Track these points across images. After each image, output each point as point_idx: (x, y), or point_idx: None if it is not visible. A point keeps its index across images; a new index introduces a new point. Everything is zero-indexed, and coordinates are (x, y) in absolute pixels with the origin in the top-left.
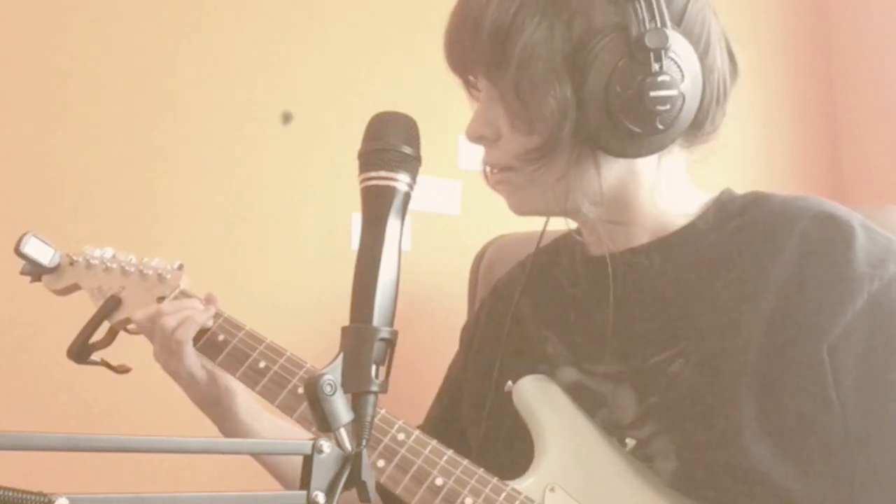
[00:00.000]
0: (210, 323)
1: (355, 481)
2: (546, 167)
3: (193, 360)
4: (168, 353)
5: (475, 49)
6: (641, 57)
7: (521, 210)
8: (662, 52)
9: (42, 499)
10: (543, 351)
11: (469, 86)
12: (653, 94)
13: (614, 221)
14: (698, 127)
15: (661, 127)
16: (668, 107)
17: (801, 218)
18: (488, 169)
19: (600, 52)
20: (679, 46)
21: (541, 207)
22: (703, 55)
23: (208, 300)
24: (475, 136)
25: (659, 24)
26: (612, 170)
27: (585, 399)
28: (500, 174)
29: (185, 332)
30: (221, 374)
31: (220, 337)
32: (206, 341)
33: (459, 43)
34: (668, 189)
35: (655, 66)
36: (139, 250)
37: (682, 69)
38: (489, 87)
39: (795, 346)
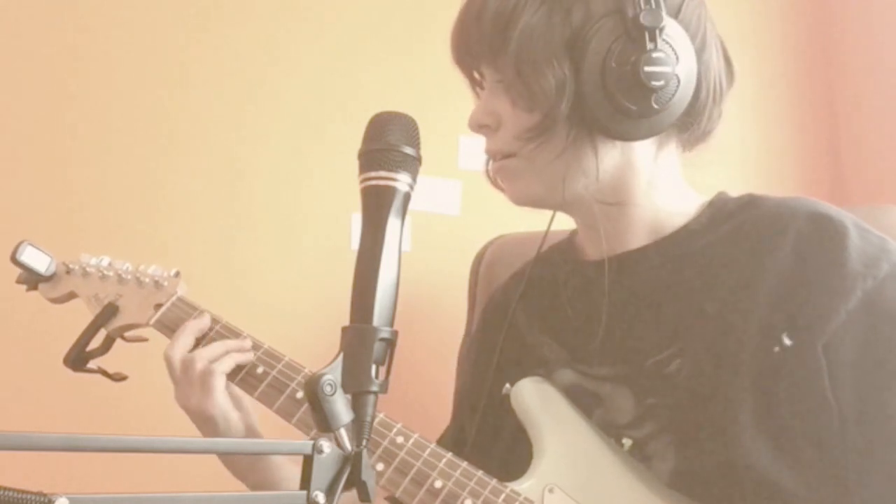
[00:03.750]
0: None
1: (355, 481)
2: (544, 146)
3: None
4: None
5: (479, 37)
6: (637, 35)
7: (519, 198)
8: (657, 31)
9: (42, 499)
10: (541, 355)
11: (474, 83)
12: (647, 69)
13: (611, 218)
14: (694, 123)
15: (655, 106)
16: (662, 83)
17: (795, 218)
18: (490, 162)
19: (597, 33)
20: (674, 31)
21: (539, 193)
22: (700, 50)
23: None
24: (477, 125)
25: (654, 8)
26: (610, 156)
27: (582, 400)
28: (500, 162)
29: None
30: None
31: None
32: None
33: (465, 34)
34: (665, 189)
35: (650, 45)
36: (138, 252)
37: (676, 52)
38: (492, 76)
39: (790, 346)
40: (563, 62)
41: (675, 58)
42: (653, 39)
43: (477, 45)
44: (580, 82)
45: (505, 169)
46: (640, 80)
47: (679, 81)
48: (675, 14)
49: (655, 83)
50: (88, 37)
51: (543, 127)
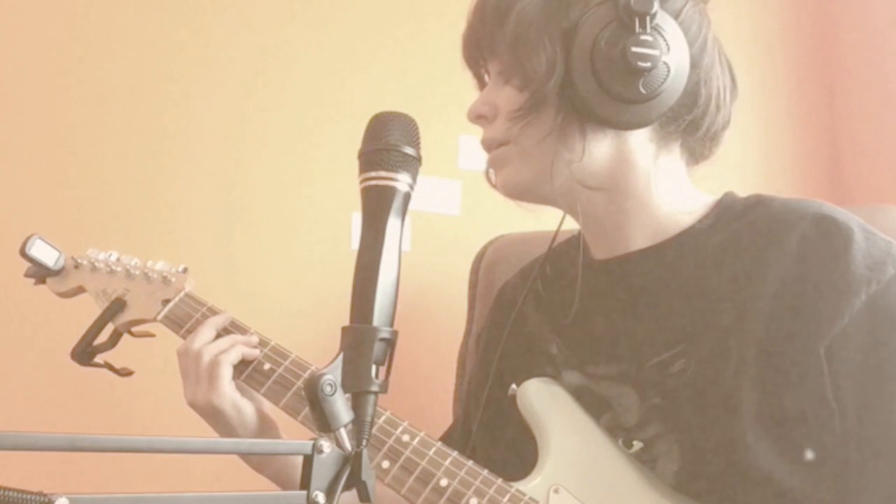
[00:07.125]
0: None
1: (355, 481)
2: (532, 126)
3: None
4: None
5: (482, 29)
6: (627, 21)
7: (509, 185)
8: (647, 17)
9: (42, 499)
10: (548, 354)
11: (481, 84)
12: (634, 49)
13: (613, 217)
14: (696, 129)
15: (643, 91)
16: (649, 65)
17: (801, 220)
18: (487, 156)
19: (590, 18)
20: (668, 25)
21: (528, 179)
22: (698, 56)
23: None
24: (474, 115)
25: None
26: (601, 144)
27: (590, 403)
28: (494, 152)
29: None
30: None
31: None
32: None
33: (472, 31)
34: (668, 189)
35: (639, 29)
36: (139, 251)
37: (667, 41)
38: (495, 69)
39: (793, 348)
40: (556, 43)
41: (666, 46)
42: (643, 25)
43: (482, 39)
44: (570, 62)
45: (497, 157)
46: (627, 61)
47: (669, 70)
48: (675, 16)
49: (642, 64)
50: (92, 36)
51: (532, 104)
